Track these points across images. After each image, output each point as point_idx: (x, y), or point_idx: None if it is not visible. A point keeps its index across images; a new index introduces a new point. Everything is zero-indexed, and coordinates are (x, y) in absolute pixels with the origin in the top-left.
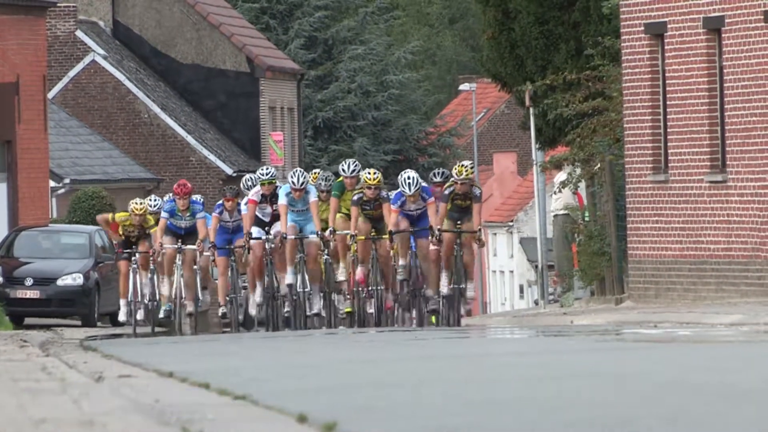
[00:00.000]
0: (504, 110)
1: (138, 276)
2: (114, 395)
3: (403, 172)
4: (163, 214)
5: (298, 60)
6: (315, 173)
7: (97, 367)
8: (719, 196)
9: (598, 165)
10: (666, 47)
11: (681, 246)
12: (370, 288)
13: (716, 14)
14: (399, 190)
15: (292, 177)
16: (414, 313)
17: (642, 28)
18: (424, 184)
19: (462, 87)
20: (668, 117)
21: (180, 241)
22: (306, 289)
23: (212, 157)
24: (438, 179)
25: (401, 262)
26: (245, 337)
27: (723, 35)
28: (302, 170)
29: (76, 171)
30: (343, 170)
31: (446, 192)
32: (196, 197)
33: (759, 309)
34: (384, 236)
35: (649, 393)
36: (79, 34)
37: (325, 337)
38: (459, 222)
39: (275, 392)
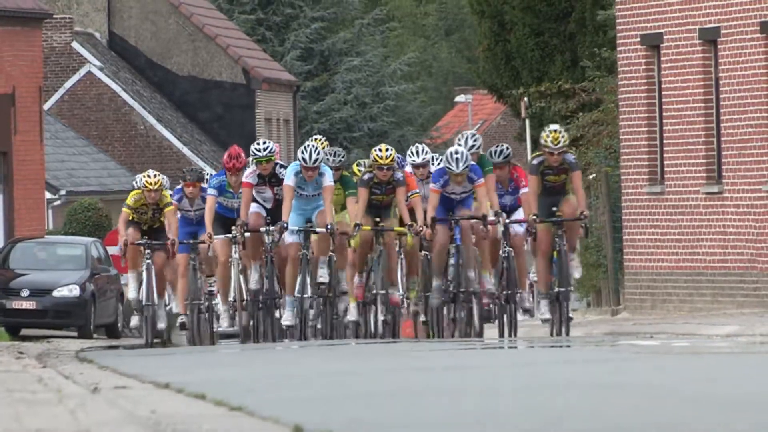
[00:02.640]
0: (500, 122)
1: (152, 273)
2: (110, 406)
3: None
4: (210, 191)
5: (294, 71)
6: (317, 139)
7: (93, 379)
8: (715, 207)
9: (594, 175)
10: (662, 58)
11: (677, 257)
12: (374, 292)
13: (712, 25)
14: (441, 165)
15: (303, 153)
16: (452, 318)
17: (638, 39)
18: (473, 163)
19: (458, 98)
20: (664, 128)
21: (233, 228)
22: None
23: (208, 169)
24: (497, 159)
25: (435, 282)
26: (238, 349)
27: (719, 46)
28: (316, 145)
29: (72, 182)
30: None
31: (534, 162)
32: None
33: (755, 320)
34: (398, 230)
35: (646, 403)
36: (75, 45)
37: (321, 349)
38: (556, 208)
39: (271, 403)
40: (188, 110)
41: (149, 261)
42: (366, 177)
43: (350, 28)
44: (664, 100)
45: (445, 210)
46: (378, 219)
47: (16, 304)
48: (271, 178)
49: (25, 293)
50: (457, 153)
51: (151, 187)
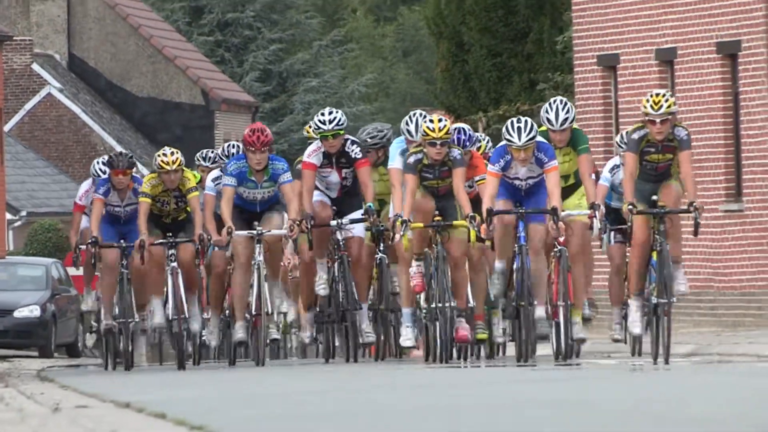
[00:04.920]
0: None
1: (179, 279)
2: (72, 425)
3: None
4: (228, 180)
5: (252, 93)
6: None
7: (54, 398)
8: None
9: None
10: (618, 79)
11: None
12: (434, 305)
13: (669, 46)
14: (501, 143)
15: (407, 125)
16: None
17: (595, 60)
18: (541, 139)
19: None
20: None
21: (256, 224)
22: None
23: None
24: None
25: (497, 264)
26: (207, 368)
27: (675, 67)
28: (425, 114)
29: (32, 203)
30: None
31: (634, 137)
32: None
33: (712, 339)
34: (458, 224)
35: (609, 421)
36: (35, 67)
37: (289, 367)
38: (655, 195)
39: (233, 422)
40: (148, 131)
41: (174, 264)
42: (412, 160)
43: (308, 49)
44: (620, 120)
45: (509, 202)
46: (437, 212)
47: None
48: (339, 158)
49: None
50: (519, 121)
51: (168, 167)
